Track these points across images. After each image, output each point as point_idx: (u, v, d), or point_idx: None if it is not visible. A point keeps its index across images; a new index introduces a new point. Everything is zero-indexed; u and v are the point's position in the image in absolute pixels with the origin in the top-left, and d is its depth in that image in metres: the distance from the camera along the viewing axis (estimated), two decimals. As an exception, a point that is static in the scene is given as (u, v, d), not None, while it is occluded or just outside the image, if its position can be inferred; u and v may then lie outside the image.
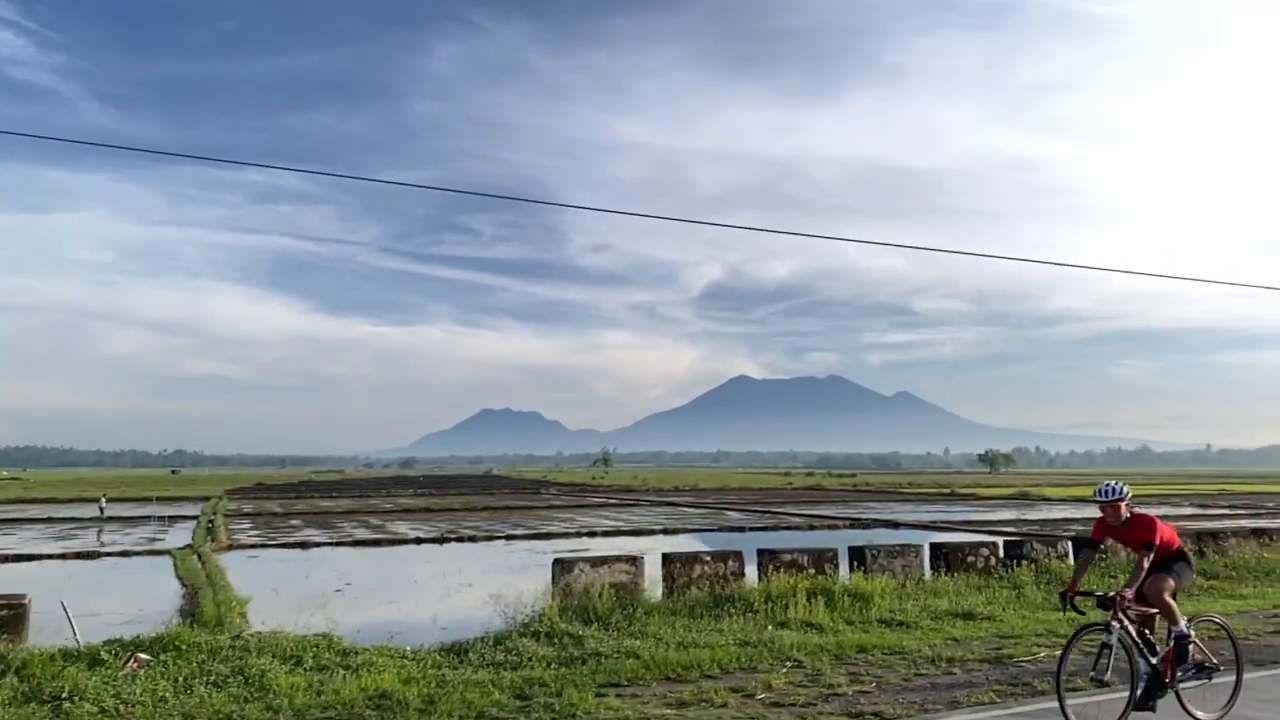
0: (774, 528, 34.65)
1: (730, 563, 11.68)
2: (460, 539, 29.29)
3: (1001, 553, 14.10)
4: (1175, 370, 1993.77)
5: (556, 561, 10.99)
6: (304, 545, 27.22)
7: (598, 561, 11.00)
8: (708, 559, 11.71)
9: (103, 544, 28.27)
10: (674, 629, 9.83)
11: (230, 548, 26.39)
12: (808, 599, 10.91)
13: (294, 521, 38.52)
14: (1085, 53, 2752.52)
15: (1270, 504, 49.90)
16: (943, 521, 35.77)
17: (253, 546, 27.09)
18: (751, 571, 12.23)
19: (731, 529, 33.58)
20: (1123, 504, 7.65)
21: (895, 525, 35.04)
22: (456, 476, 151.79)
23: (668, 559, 11.67)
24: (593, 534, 30.68)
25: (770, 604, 10.81)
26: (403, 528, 34.01)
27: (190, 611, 14.05)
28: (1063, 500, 56.66)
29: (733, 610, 10.76)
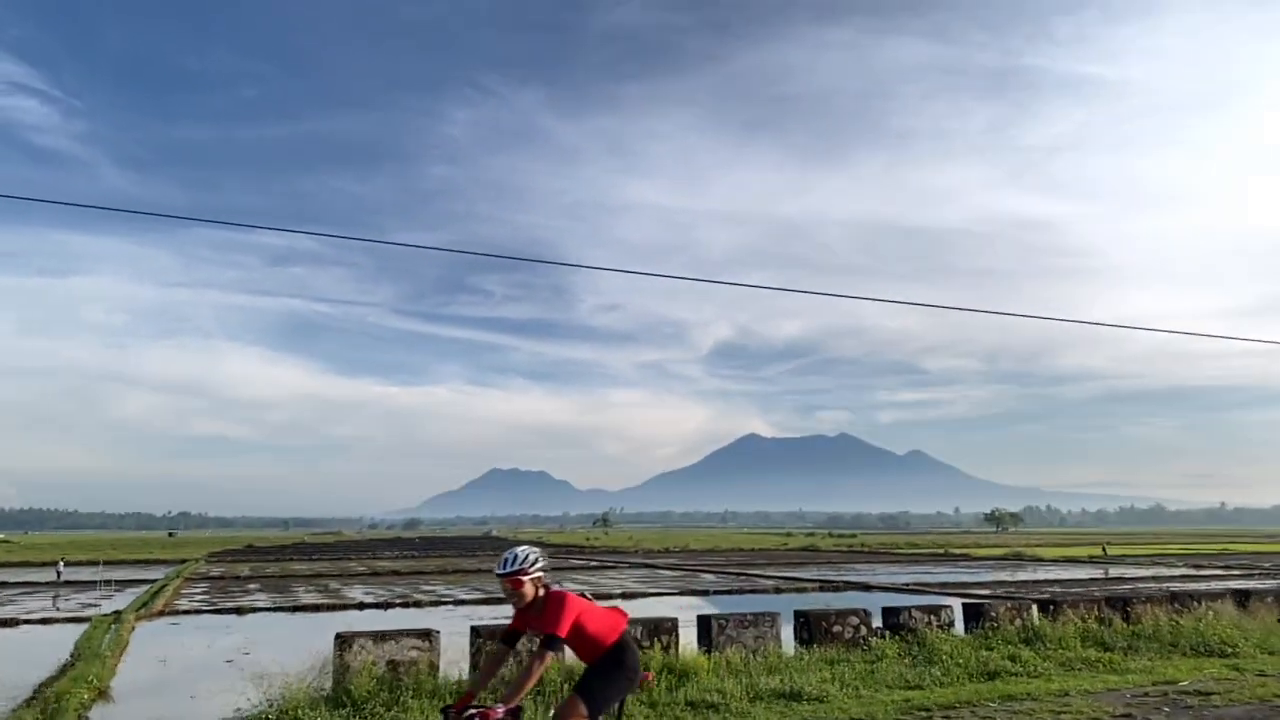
0: (740, 591, 33.43)
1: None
2: (407, 604, 28.18)
3: (878, 621, 12.84)
4: (1193, 428, 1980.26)
5: (337, 637, 9.71)
6: (240, 611, 26.16)
7: (382, 637, 9.68)
8: (524, 634, 10.33)
9: (59, 609, 27.41)
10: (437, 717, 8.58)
11: (162, 614, 25.37)
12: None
13: (252, 585, 37.42)
14: (1093, 115, 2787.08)
15: (1267, 564, 48.30)
16: (916, 584, 34.49)
17: (187, 612, 26.04)
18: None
19: (696, 592, 32.40)
20: (526, 579, 5.14)
21: (868, 588, 33.81)
22: (453, 538, 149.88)
23: (476, 633, 10.35)
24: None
25: (570, 684, 9.56)
26: (356, 592, 32.91)
27: (46, 687, 13.12)
28: (1055, 561, 55.09)
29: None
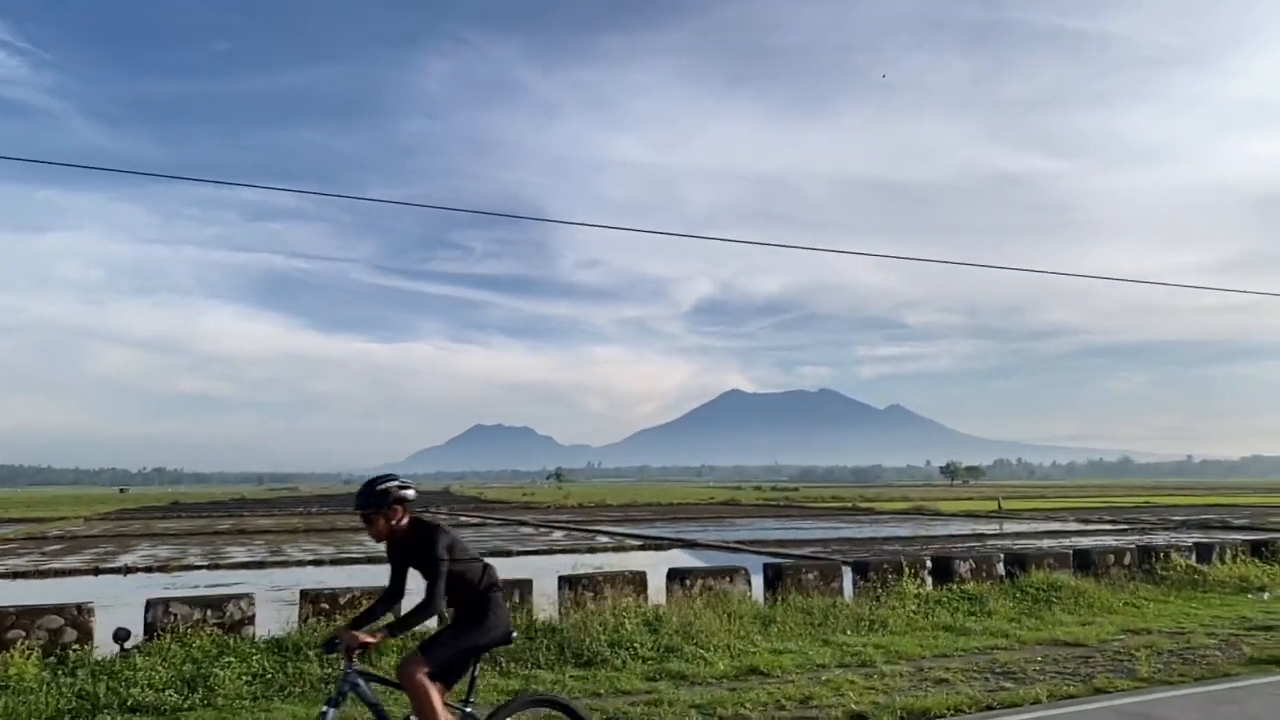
0: (560, 550, 31.43)
1: None
2: (152, 569, 26.07)
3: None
4: (1166, 383, 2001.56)
5: None
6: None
7: None
8: None
9: None
10: None
11: None
12: None
13: (51, 547, 35.17)
14: (1074, 69, 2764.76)
15: (1148, 518, 46.56)
16: (756, 541, 32.52)
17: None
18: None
19: (498, 554, 30.33)
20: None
21: (693, 545, 31.94)
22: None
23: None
24: (319, 563, 27.43)
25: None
26: (134, 556, 30.57)
27: None
28: (954, 514, 53.55)
29: None
